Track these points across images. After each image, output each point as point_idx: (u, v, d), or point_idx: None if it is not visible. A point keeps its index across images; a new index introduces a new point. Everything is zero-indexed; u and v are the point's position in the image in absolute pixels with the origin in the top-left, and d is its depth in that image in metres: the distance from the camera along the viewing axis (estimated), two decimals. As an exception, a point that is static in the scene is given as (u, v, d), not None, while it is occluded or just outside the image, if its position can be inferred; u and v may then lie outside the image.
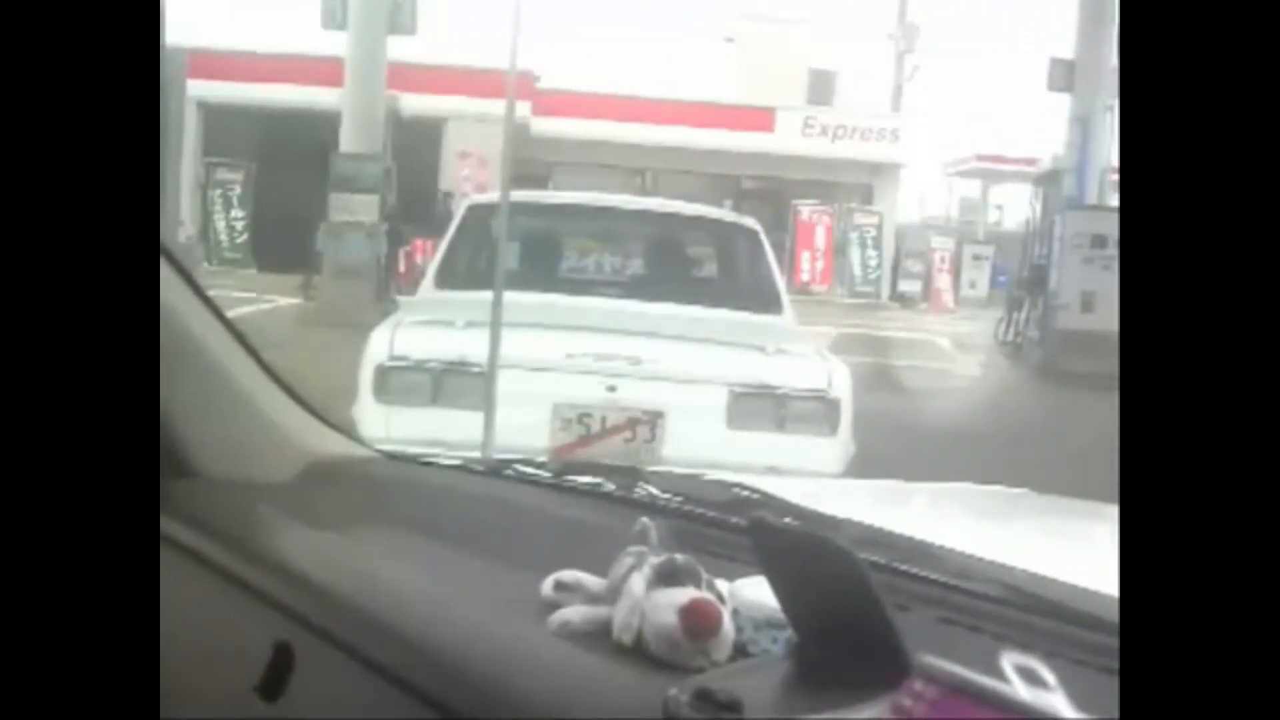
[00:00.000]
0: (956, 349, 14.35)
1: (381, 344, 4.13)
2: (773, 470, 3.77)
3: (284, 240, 15.73)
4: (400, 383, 4.07)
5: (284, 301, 13.02)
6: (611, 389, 4.02)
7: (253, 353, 1.43)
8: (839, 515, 1.25)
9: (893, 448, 4.94)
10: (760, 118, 21.58)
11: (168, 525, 1.24)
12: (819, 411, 4.05)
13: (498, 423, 3.85)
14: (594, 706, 0.74)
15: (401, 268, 13.74)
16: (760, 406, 4.04)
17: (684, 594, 0.88)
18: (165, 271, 1.33)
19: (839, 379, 4.13)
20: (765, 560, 0.76)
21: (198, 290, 1.39)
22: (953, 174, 29.23)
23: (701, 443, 3.94)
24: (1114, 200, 13.98)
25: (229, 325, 1.42)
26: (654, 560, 0.94)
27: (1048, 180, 14.20)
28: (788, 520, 1.02)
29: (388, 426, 3.86)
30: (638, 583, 0.92)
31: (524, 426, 3.89)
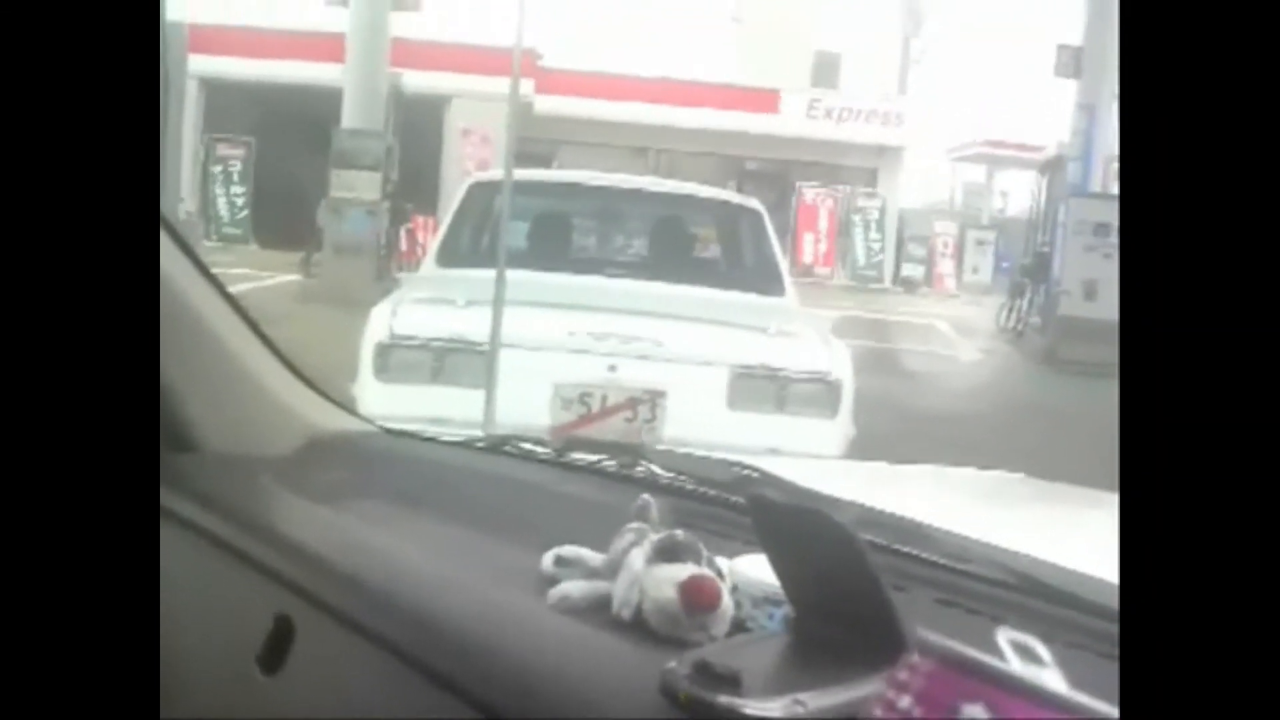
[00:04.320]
0: (958, 334, 14.34)
1: (382, 322, 4.13)
2: (773, 451, 3.78)
3: (285, 217, 15.70)
4: (401, 361, 4.07)
5: (284, 278, 13.01)
6: (612, 368, 4.02)
7: (254, 327, 1.43)
8: (838, 496, 1.25)
9: (892, 431, 4.95)
10: (765, 99, 21.51)
11: (169, 499, 1.25)
12: (820, 394, 4.05)
13: (499, 401, 3.85)
14: (593, 679, 0.75)
15: (403, 245, 13.73)
16: (761, 387, 4.04)
17: (684, 570, 0.88)
18: (166, 245, 1.33)
19: (840, 361, 4.13)
20: (764, 536, 0.76)
21: (199, 265, 1.39)
22: (957, 159, 29.16)
23: (702, 423, 3.94)
24: (1118, 189, 13.95)
25: (231, 300, 1.42)
26: (654, 536, 0.94)
27: (1053, 167, 14.17)
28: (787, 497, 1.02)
29: (388, 404, 3.86)
30: (638, 558, 0.92)
31: (525, 405, 3.89)
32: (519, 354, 3.91)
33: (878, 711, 0.50)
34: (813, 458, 3.62)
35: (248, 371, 1.39)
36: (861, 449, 4.01)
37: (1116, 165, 13.61)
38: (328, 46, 14.40)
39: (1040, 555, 1.03)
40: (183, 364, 1.34)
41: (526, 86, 17.09)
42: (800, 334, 4.30)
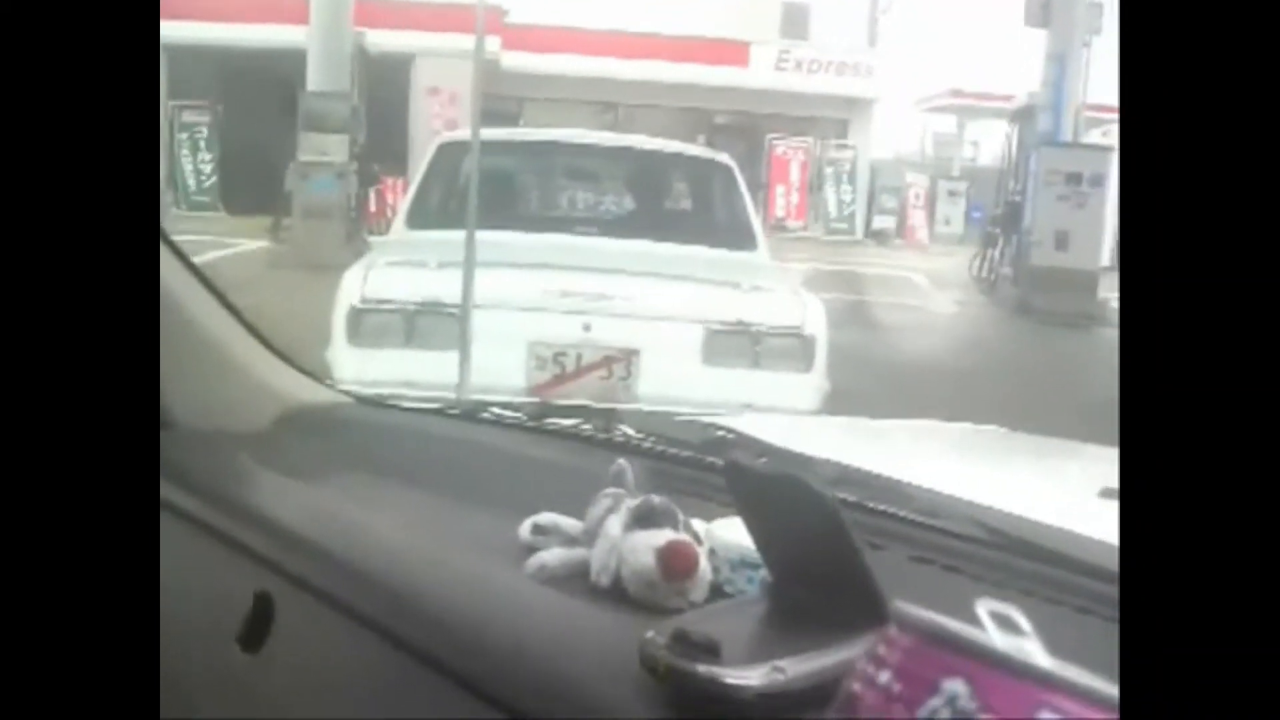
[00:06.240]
0: (931, 285, 14.38)
1: (354, 286, 4.11)
2: (748, 407, 3.79)
3: (253, 182, 15.53)
4: (373, 325, 4.05)
5: (254, 245, 12.89)
6: (586, 327, 4.02)
7: (223, 299, 1.42)
8: (813, 453, 1.26)
9: (867, 384, 4.96)
10: (734, 52, 21.38)
11: None
12: (794, 348, 4.06)
13: (474, 363, 3.84)
14: (572, 649, 0.75)
15: (372, 207, 13.63)
16: (735, 343, 4.05)
17: (661, 535, 0.88)
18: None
19: (814, 316, 4.14)
20: (740, 502, 0.76)
21: (164, 236, 1.37)
22: (927, 109, 29.11)
23: (677, 380, 3.96)
24: (1088, 137, 13.98)
25: (198, 272, 1.40)
26: (631, 502, 0.94)
27: (1023, 116, 14.16)
28: (762, 461, 1.02)
29: (361, 369, 3.84)
30: (614, 525, 0.92)
31: (500, 366, 3.89)
32: (493, 315, 3.90)
33: (857, 686, 0.50)
34: (788, 412, 3.64)
35: (218, 344, 1.38)
36: (838, 404, 4.03)
37: (1086, 114, 13.63)
38: (290, 7, 14.20)
39: (1016, 510, 1.03)
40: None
41: (493, 43, 16.92)
42: (774, 289, 4.31)
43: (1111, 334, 8.90)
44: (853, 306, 10.04)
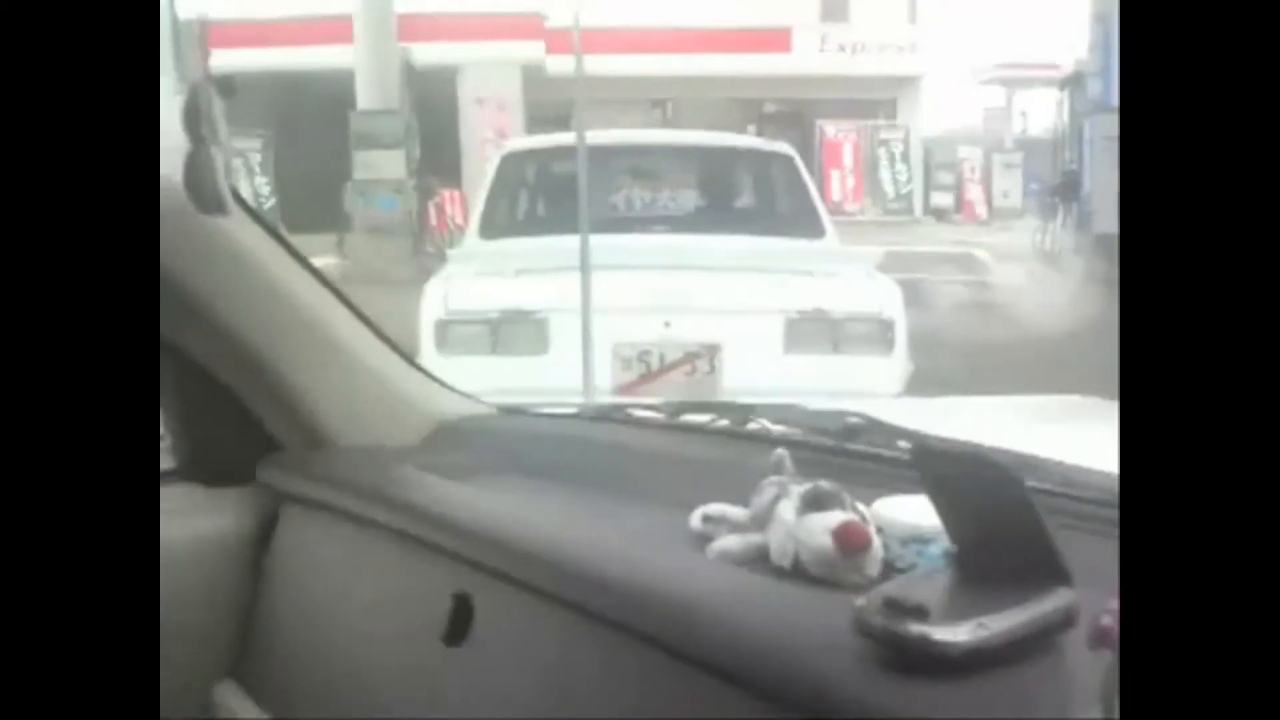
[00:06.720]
0: (995, 260, 14.26)
1: (437, 299, 4.21)
2: (834, 394, 3.83)
3: (311, 201, 15.77)
4: (460, 335, 4.15)
5: (318, 261, 13.07)
6: (667, 325, 4.08)
7: (367, 322, 1.50)
8: (940, 434, 1.31)
9: (947, 363, 4.97)
10: (776, 38, 21.33)
11: (321, 492, 1.33)
12: (874, 332, 4.10)
13: (560, 367, 3.93)
14: (781, 622, 0.81)
15: (431, 220, 13.80)
16: (815, 331, 4.09)
17: (833, 517, 0.96)
18: (283, 255, 1.41)
19: (890, 298, 4.17)
20: (928, 479, 0.83)
21: (309, 268, 1.46)
22: (975, 83, 28.82)
23: (760, 371, 4.01)
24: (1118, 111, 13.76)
25: (343, 298, 1.49)
26: (798, 488, 1.01)
27: (1072, 83, 14.02)
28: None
29: (452, 378, 3.93)
30: (787, 510, 0.99)
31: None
32: (575, 318, 3.98)
33: (1107, 620, 0.56)
34: (873, 396, 3.68)
35: (369, 366, 1.46)
36: (922, 387, 4.05)
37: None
38: (335, 29, 14.40)
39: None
40: (308, 364, 1.42)
41: (536, 49, 17.04)
42: (847, 274, 4.35)
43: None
44: (923, 286, 10.00)
